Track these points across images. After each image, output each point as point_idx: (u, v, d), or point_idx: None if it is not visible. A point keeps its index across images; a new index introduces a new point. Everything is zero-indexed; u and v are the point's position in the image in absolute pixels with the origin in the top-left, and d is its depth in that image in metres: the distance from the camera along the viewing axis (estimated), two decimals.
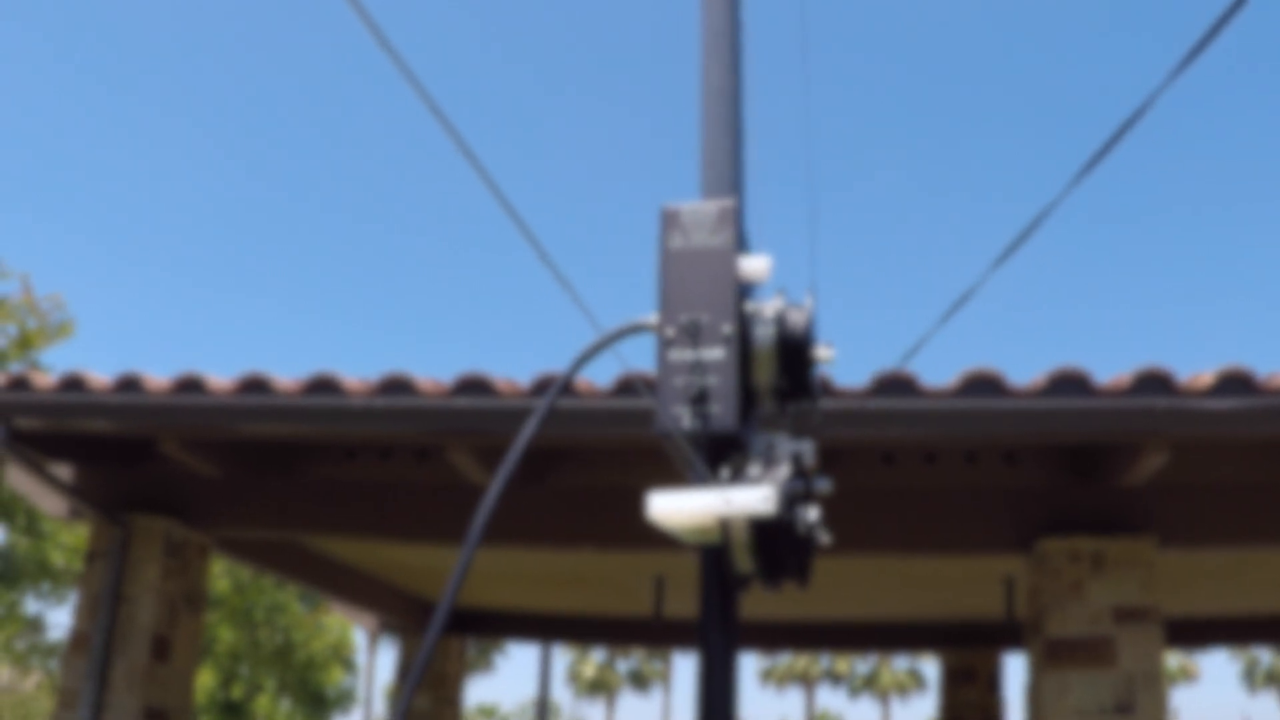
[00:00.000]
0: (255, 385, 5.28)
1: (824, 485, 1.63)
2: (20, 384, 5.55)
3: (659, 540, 2.04)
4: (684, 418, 1.57)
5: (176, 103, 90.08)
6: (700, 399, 1.57)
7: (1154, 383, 4.58)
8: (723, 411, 1.56)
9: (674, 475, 1.66)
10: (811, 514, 1.57)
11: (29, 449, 5.83)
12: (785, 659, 56.07)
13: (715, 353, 1.59)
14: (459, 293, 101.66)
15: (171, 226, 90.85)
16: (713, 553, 1.60)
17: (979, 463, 5.78)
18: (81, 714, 5.95)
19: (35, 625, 15.84)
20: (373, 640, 32.89)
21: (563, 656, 56.95)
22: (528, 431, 1.71)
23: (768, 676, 58.28)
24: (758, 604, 8.14)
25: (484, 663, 50.29)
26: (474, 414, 5.04)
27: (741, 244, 1.68)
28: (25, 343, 13.14)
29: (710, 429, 1.56)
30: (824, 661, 57.04)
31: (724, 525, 1.52)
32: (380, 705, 35.05)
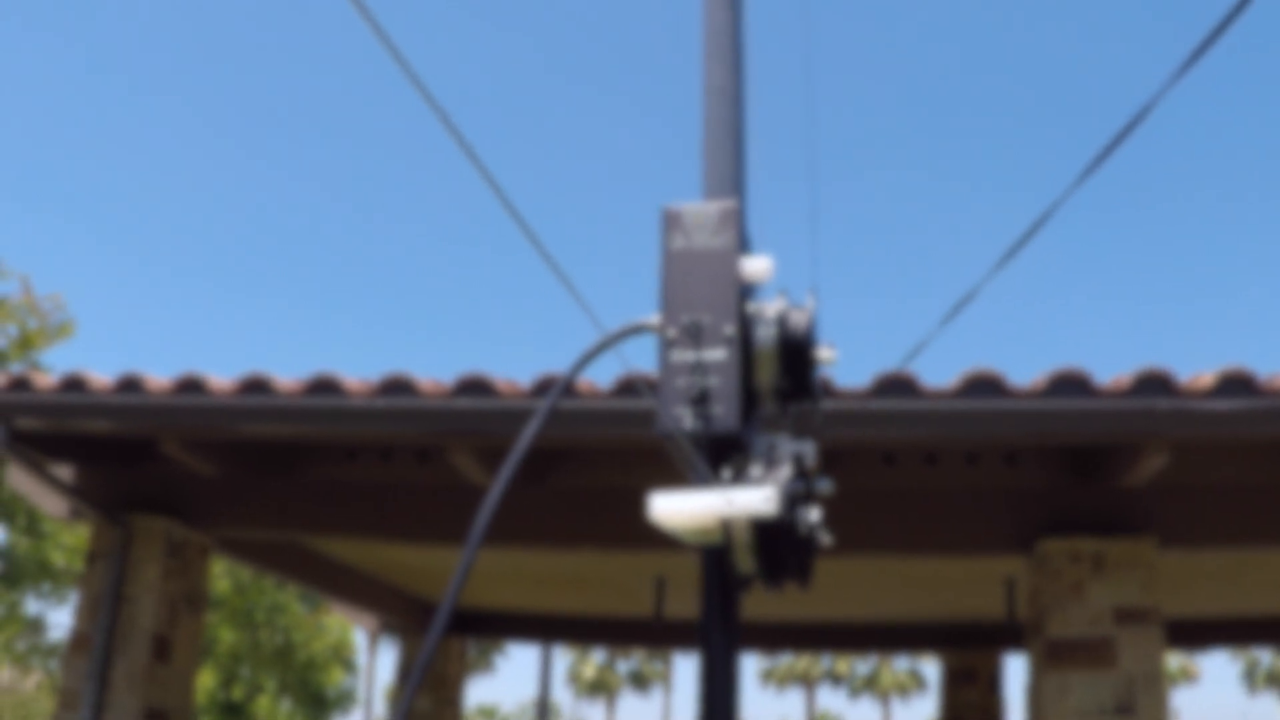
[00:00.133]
0: (256, 386, 5.29)
1: (825, 486, 1.63)
2: (21, 384, 5.56)
3: (660, 541, 2.04)
4: (686, 418, 1.57)
5: (178, 102, 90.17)
6: (702, 400, 1.57)
7: (1155, 383, 4.58)
8: (724, 412, 1.56)
9: (675, 476, 1.66)
10: (813, 515, 1.57)
11: (30, 449, 5.83)
12: (786, 659, 56.05)
13: (717, 354, 1.59)
14: (461, 292, 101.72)
15: (172, 226, 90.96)
16: (714, 553, 1.60)
17: (980, 463, 5.78)
18: (82, 714, 5.95)
19: (36, 626, 15.83)
20: (373, 641, 32.90)
21: (563, 657, 56.99)
22: (529, 433, 1.71)
23: (768, 677, 58.26)
24: (759, 604, 8.14)
25: (484, 663, 50.31)
26: (475, 415, 5.04)
27: (743, 245, 1.68)
28: (26, 343, 13.14)
29: (712, 430, 1.56)
30: (825, 662, 57.02)
31: (726, 526, 1.52)
32: (380, 706, 35.04)
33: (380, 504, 6.27)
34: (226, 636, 19.76)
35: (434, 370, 8.03)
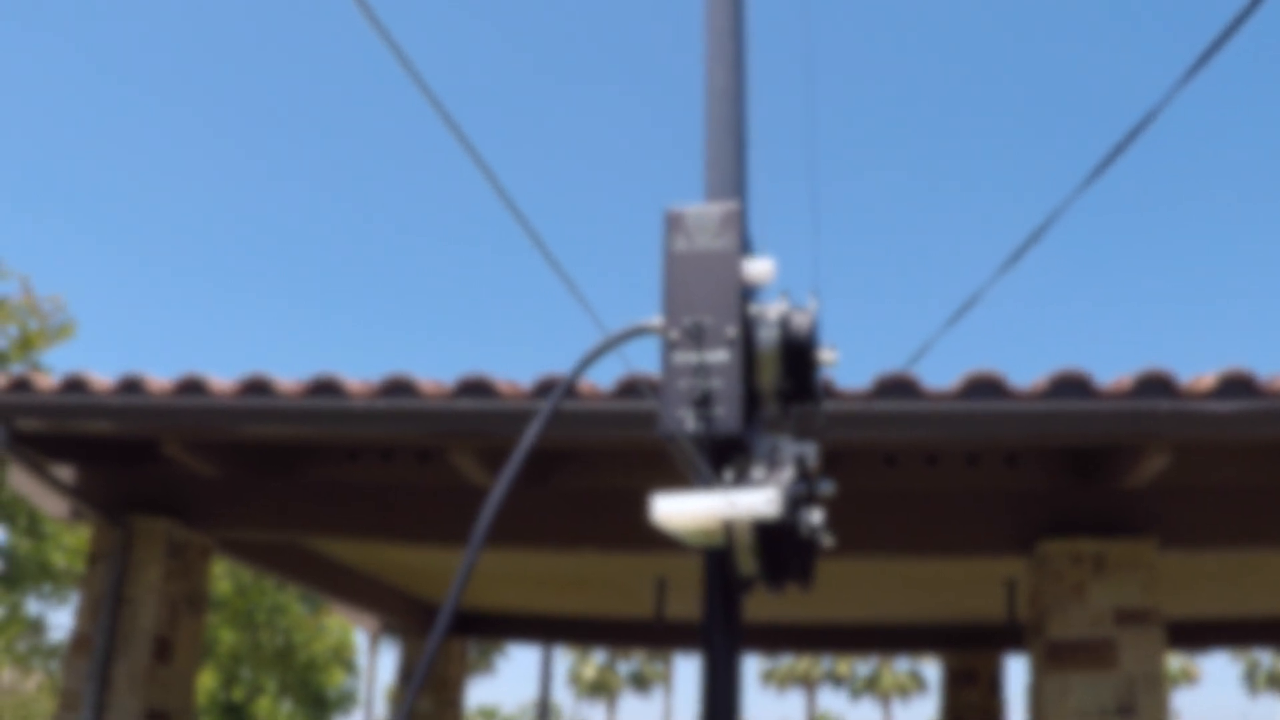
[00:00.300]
0: (257, 387, 5.29)
1: (827, 488, 1.64)
2: (22, 385, 5.56)
3: (660, 542, 2.04)
4: (688, 420, 1.57)
5: (178, 102, 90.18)
6: (704, 401, 1.57)
7: (1155, 385, 4.59)
8: (726, 414, 1.56)
9: (676, 477, 1.66)
10: (815, 516, 1.57)
11: (30, 450, 5.83)
12: (787, 661, 56.03)
13: (719, 355, 1.59)
14: (462, 293, 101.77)
15: (173, 227, 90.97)
16: (716, 555, 1.60)
17: (981, 465, 5.78)
18: (83, 715, 5.96)
19: (37, 627, 15.83)
20: (374, 642, 32.89)
21: (563, 658, 57.00)
22: (531, 434, 1.71)
23: (769, 678, 58.27)
24: (760, 606, 8.14)
25: (485, 664, 50.32)
26: (476, 416, 5.04)
27: (745, 247, 1.68)
28: (26, 344, 13.15)
29: (714, 431, 1.56)
30: (825, 663, 57.01)
31: (728, 528, 1.52)
32: (381, 707, 35.04)
33: (381, 505, 6.27)
34: (227, 637, 19.77)
35: (435, 371, 8.04)
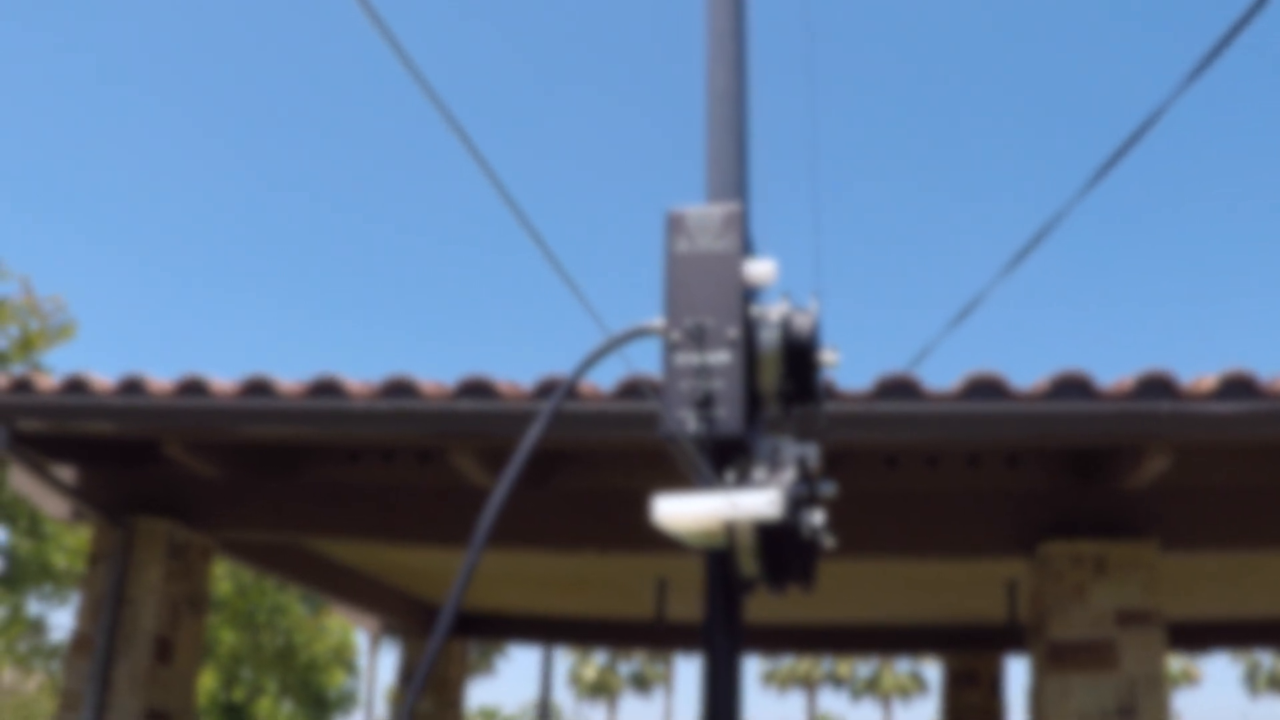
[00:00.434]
0: (258, 387, 5.29)
1: (828, 489, 1.64)
2: (22, 386, 5.56)
3: (661, 543, 2.04)
4: (689, 421, 1.57)
5: (178, 102, 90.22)
6: (705, 402, 1.57)
7: (1156, 386, 4.59)
8: (728, 415, 1.56)
9: (678, 479, 1.66)
10: (816, 517, 1.57)
11: (31, 451, 5.83)
12: (787, 662, 56.01)
13: (720, 356, 1.59)
14: (463, 294, 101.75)
15: (174, 227, 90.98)
16: (718, 556, 1.60)
17: (981, 466, 5.78)
18: (84, 716, 5.96)
19: (38, 627, 15.84)
20: (374, 643, 32.92)
21: (564, 659, 56.97)
22: (533, 435, 1.71)
23: (770, 679, 58.26)
24: (761, 607, 8.14)
25: (485, 665, 50.32)
26: (476, 417, 5.04)
27: (747, 248, 1.68)
28: (27, 344, 13.15)
29: (715, 432, 1.56)
30: (826, 664, 57.00)
31: (729, 529, 1.52)
32: (382, 708, 35.05)
33: (382, 506, 6.27)
34: (228, 638, 19.76)
35: (436, 372, 8.05)
